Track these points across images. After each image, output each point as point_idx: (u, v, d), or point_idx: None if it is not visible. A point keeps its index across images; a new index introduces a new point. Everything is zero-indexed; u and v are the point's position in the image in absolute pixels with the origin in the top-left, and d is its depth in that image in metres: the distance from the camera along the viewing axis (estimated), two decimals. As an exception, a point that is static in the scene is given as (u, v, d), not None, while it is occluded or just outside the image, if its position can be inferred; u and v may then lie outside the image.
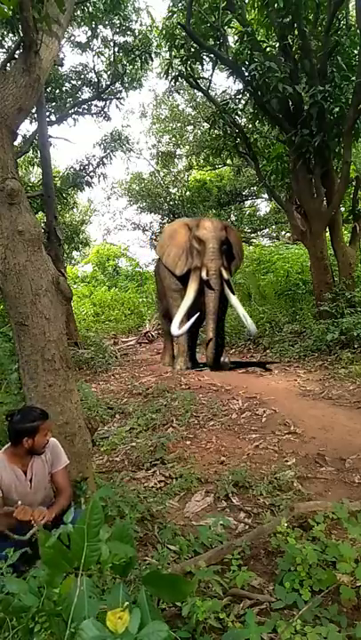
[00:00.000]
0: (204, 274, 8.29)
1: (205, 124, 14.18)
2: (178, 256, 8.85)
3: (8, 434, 2.59)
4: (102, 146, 15.04)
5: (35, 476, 2.64)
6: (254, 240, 21.39)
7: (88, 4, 10.88)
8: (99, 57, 13.44)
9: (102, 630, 1.04)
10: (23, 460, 2.62)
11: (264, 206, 22.55)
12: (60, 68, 12.60)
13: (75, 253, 23.54)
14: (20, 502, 2.42)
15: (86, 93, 14.20)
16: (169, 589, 1.20)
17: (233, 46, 10.32)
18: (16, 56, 4.32)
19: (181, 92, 17.79)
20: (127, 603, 1.14)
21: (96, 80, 13.55)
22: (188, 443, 4.62)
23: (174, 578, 1.32)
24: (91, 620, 1.08)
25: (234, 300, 8.73)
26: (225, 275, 8.47)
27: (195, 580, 2.23)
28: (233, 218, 21.00)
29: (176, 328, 8.39)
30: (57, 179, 13.81)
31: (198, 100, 17.76)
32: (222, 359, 8.68)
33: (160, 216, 21.03)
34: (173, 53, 10.59)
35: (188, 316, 8.46)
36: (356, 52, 8.80)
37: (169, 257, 8.94)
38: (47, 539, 1.35)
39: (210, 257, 8.32)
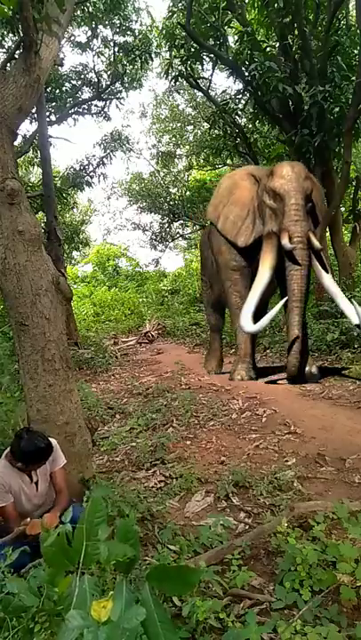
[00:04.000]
0: (285, 242, 5.83)
1: (205, 123, 14.19)
2: (241, 219, 6.51)
3: (11, 447, 2.56)
4: (102, 146, 15.04)
5: (39, 478, 2.67)
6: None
7: (88, 4, 10.87)
8: (99, 57, 13.45)
9: (86, 619, 1.09)
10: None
11: (264, 206, 22.52)
12: (60, 67, 12.60)
13: (75, 253, 23.54)
14: (28, 519, 2.43)
15: (86, 93, 14.21)
16: (175, 582, 1.20)
17: (233, 46, 10.33)
18: (16, 56, 4.31)
19: (181, 91, 17.80)
20: (128, 596, 1.15)
21: (96, 80, 13.55)
22: (188, 443, 4.62)
23: (180, 569, 1.31)
24: (76, 610, 1.12)
25: (327, 279, 6.17)
26: (316, 243, 6.04)
27: (201, 570, 2.23)
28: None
29: (249, 321, 6.04)
30: (57, 179, 13.81)
31: (198, 99, 17.76)
32: (307, 368, 6.34)
33: (160, 216, 21.02)
34: (173, 53, 10.60)
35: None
36: (356, 51, 8.81)
37: (227, 221, 6.61)
38: (48, 537, 1.35)
39: (293, 217, 5.88)
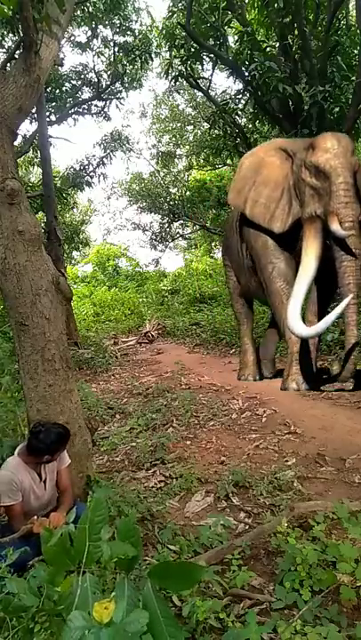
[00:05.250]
0: (336, 227, 5.00)
1: (205, 123, 14.19)
2: (275, 200, 5.57)
3: (29, 444, 2.58)
4: (102, 146, 15.06)
5: (47, 476, 2.68)
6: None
7: (88, 4, 10.88)
8: (99, 57, 13.46)
9: (89, 620, 1.08)
10: (35, 462, 2.64)
11: (264, 206, 22.52)
12: (60, 67, 12.62)
13: (75, 253, 23.57)
14: (35, 517, 2.43)
15: (86, 93, 14.23)
16: (177, 579, 1.20)
17: (233, 46, 10.33)
18: (16, 56, 4.31)
19: (181, 91, 17.81)
20: (130, 595, 1.15)
21: (96, 80, 13.55)
22: (188, 443, 4.62)
23: (182, 565, 1.31)
24: (78, 611, 1.12)
25: None
26: None
27: (204, 566, 2.23)
28: (233, 218, 20.97)
29: (300, 323, 5.19)
30: (57, 179, 13.82)
31: (198, 99, 17.76)
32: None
33: (160, 216, 21.02)
34: (173, 53, 10.60)
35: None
36: (356, 51, 8.81)
37: (257, 205, 5.66)
38: (50, 537, 1.35)
39: (343, 199, 5.03)
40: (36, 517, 2.43)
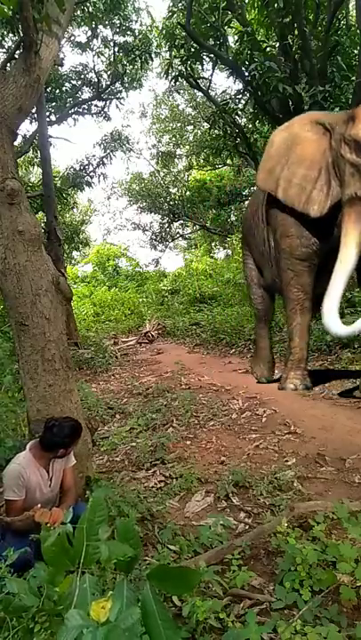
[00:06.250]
0: None
1: (205, 123, 14.20)
2: (311, 181, 4.95)
3: (43, 439, 2.61)
4: (102, 146, 15.07)
5: (54, 474, 2.70)
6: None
7: (88, 4, 10.88)
8: (99, 57, 13.47)
9: (85, 619, 1.09)
10: (47, 459, 2.66)
11: (264, 206, 22.52)
12: (60, 67, 12.62)
13: (75, 253, 23.59)
14: (39, 505, 2.44)
15: (86, 93, 14.24)
16: (175, 582, 1.20)
17: (233, 46, 10.34)
18: (16, 56, 4.31)
19: (181, 91, 17.83)
20: (128, 596, 1.16)
21: (96, 80, 13.56)
22: (188, 443, 4.62)
23: (181, 569, 1.32)
24: (75, 610, 1.13)
25: None
26: None
27: (202, 571, 2.23)
28: (233, 218, 21.00)
29: (337, 321, 4.78)
30: (57, 179, 13.82)
31: (198, 99, 17.79)
32: None
33: (160, 216, 21.04)
34: (173, 53, 10.61)
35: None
36: (356, 51, 8.81)
37: (291, 185, 5.04)
38: (49, 537, 1.35)
39: None
40: (39, 506, 2.42)
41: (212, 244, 23.52)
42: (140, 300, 18.97)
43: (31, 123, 12.76)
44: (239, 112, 10.77)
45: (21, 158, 13.71)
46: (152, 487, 3.66)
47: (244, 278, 7.30)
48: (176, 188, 20.93)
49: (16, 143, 6.29)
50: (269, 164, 5.23)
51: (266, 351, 6.46)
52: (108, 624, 1.07)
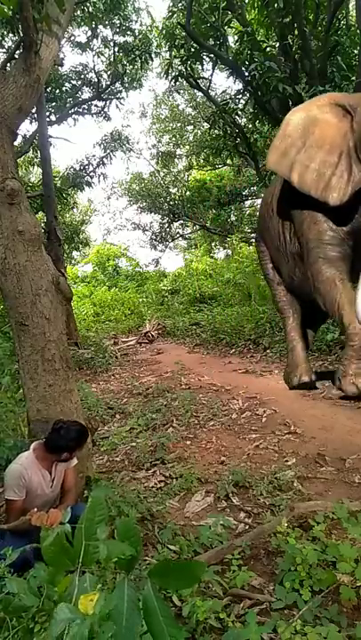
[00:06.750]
0: None
1: (205, 123, 14.19)
2: (331, 166, 4.37)
3: (49, 440, 2.60)
4: (102, 146, 15.05)
5: (56, 476, 2.69)
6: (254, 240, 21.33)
7: (88, 4, 10.87)
8: (99, 57, 13.45)
9: (74, 612, 1.11)
10: (50, 461, 2.65)
11: (264, 206, 22.49)
12: (60, 67, 12.61)
13: (75, 253, 23.54)
14: (35, 509, 2.43)
15: (86, 93, 14.22)
16: (178, 577, 1.19)
17: (233, 46, 10.33)
18: (16, 56, 4.31)
19: (181, 91, 17.82)
20: (130, 595, 1.15)
21: (96, 80, 13.55)
22: (188, 443, 4.62)
23: (184, 563, 1.31)
24: (65, 604, 1.14)
25: None
26: None
27: (205, 563, 2.22)
28: (233, 218, 21.00)
29: None
30: (57, 179, 13.80)
31: (198, 99, 17.77)
32: None
33: (160, 216, 21.03)
34: (173, 53, 10.60)
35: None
36: (356, 51, 8.80)
37: (308, 171, 4.54)
38: (48, 536, 1.35)
39: None
40: (35, 509, 2.42)
41: (212, 244, 23.50)
42: (140, 300, 18.96)
43: (31, 123, 12.74)
44: (239, 112, 10.75)
45: (21, 158, 13.69)
46: (152, 487, 3.66)
47: (264, 276, 6.49)
48: (176, 188, 20.91)
49: (16, 143, 6.29)
50: (283, 145, 4.66)
51: (301, 348, 5.65)
52: (94, 615, 1.08)
